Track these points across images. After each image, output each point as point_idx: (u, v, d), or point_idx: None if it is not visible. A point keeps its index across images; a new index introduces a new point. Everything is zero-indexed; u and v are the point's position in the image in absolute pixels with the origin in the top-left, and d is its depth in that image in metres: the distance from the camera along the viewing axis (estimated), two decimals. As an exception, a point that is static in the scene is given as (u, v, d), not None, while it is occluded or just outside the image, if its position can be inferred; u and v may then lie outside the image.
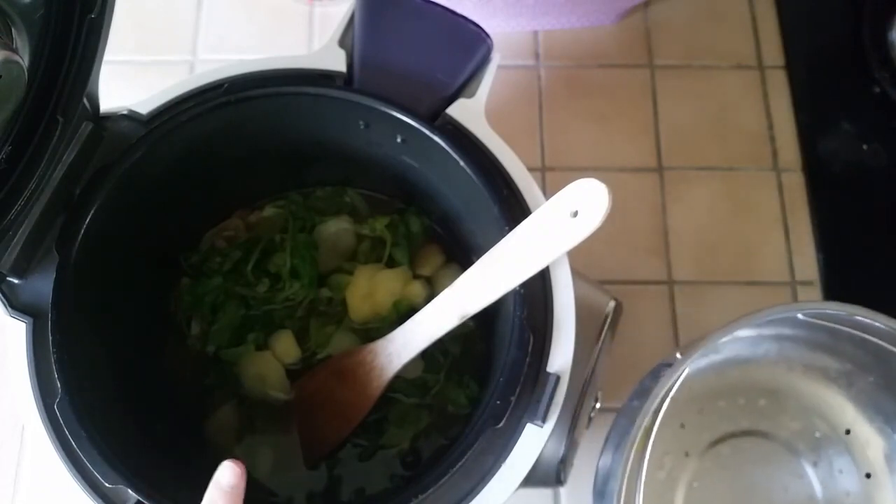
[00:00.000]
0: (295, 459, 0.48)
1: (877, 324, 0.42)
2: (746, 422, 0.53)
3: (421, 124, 0.41)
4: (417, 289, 0.49)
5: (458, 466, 0.36)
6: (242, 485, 0.32)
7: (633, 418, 0.39)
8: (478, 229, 0.45)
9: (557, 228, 0.35)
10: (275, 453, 0.48)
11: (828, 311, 0.43)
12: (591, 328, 0.43)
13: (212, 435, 0.48)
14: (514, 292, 0.38)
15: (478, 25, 0.42)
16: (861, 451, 0.52)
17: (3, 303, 0.38)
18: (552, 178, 0.63)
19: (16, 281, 0.38)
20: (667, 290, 0.61)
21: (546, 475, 0.42)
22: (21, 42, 0.33)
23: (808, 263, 0.62)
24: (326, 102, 0.42)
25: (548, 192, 0.37)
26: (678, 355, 0.41)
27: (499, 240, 0.38)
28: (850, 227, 0.63)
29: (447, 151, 0.41)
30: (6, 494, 0.53)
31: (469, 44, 0.42)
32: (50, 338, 0.37)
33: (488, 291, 0.39)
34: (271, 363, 0.48)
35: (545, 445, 0.37)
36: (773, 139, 0.66)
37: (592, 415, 0.45)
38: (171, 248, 0.50)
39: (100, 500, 0.35)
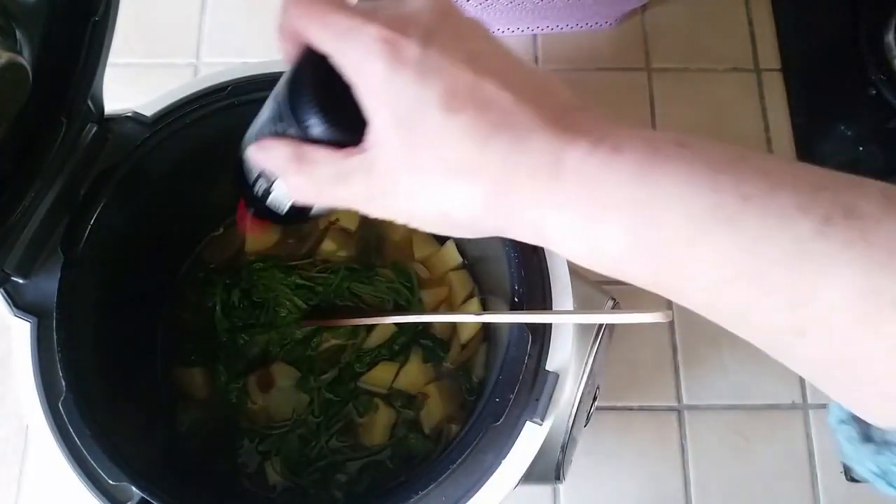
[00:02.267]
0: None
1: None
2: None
3: (421, 126, 0.41)
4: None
5: (457, 463, 0.36)
6: None
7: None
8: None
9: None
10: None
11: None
12: (589, 327, 0.43)
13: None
14: (513, 291, 0.39)
15: (477, 28, 0.43)
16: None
17: (7, 302, 0.38)
18: (551, 179, 0.64)
19: (20, 281, 0.38)
20: (664, 290, 0.61)
21: (545, 472, 0.42)
22: (25, 44, 0.33)
23: (804, 264, 0.62)
24: (328, 104, 0.43)
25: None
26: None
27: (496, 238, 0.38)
28: (846, 229, 0.63)
29: (447, 153, 0.41)
30: (11, 492, 0.54)
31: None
32: (55, 337, 0.37)
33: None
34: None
35: (544, 443, 0.37)
36: (769, 141, 0.66)
37: (591, 413, 0.45)
38: (173, 248, 0.51)
39: (104, 498, 0.36)
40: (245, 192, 0.32)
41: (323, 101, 0.25)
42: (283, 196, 0.30)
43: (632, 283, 0.23)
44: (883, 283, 0.18)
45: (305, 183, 0.26)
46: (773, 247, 0.19)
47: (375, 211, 0.26)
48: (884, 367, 0.19)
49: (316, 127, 0.26)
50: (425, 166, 0.23)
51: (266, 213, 0.32)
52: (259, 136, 0.28)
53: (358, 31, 0.23)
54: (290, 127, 0.26)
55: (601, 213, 0.22)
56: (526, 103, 0.23)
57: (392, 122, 0.23)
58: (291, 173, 0.26)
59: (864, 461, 0.21)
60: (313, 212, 0.31)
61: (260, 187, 0.30)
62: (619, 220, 0.21)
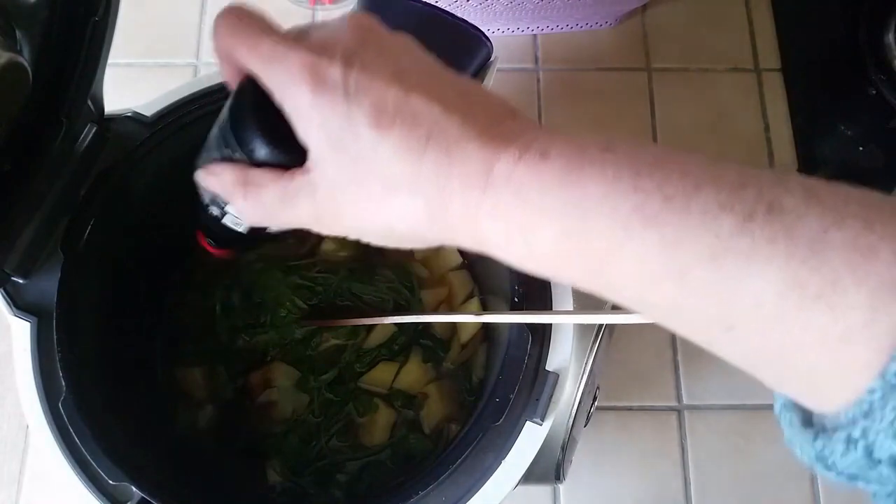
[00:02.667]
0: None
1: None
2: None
3: (421, 126, 0.41)
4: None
5: (458, 463, 0.36)
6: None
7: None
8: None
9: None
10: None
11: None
12: (589, 327, 0.43)
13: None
14: (513, 291, 0.39)
15: (478, 29, 0.43)
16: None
17: (7, 302, 0.38)
18: (551, 179, 0.64)
19: (21, 281, 0.38)
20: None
21: (545, 472, 0.42)
22: (25, 44, 0.33)
23: (804, 264, 0.62)
24: (328, 104, 0.43)
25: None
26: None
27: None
28: (846, 229, 0.63)
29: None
30: (11, 493, 0.54)
31: (469, 47, 0.43)
32: (55, 337, 0.37)
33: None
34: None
35: (544, 443, 0.37)
36: (769, 141, 0.66)
37: (591, 413, 0.45)
38: (174, 248, 0.51)
39: (104, 498, 0.36)
40: (202, 215, 0.32)
41: (263, 125, 0.26)
42: (236, 219, 0.30)
43: (571, 284, 0.24)
44: (806, 276, 0.18)
45: (253, 208, 0.27)
46: (696, 245, 0.20)
47: (325, 229, 0.26)
48: (813, 358, 0.19)
49: (259, 150, 0.26)
50: (364, 184, 0.24)
51: (226, 236, 0.32)
52: (206, 162, 0.29)
53: (282, 58, 0.24)
54: (235, 151, 0.27)
55: (532, 220, 0.22)
56: (454, 114, 0.23)
57: (326, 144, 0.24)
58: (238, 198, 0.27)
59: (803, 445, 0.21)
60: (272, 229, 0.31)
61: (213, 211, 0.31)
62: (549, 225, 0.22)
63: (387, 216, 0.24)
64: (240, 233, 0.31)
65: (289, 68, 0.24)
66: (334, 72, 0.23)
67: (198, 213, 0.32)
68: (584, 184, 0.21)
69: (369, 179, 0.24)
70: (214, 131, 0.28)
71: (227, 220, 0.31)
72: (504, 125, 0.24)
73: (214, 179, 0.28)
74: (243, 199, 0.27)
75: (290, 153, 0.26)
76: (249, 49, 0.25)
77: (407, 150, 0.23)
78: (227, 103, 0.27)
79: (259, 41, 0.24)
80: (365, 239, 0.26)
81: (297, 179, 0.25)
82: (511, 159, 0.22)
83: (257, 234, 0.32)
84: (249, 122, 0.26)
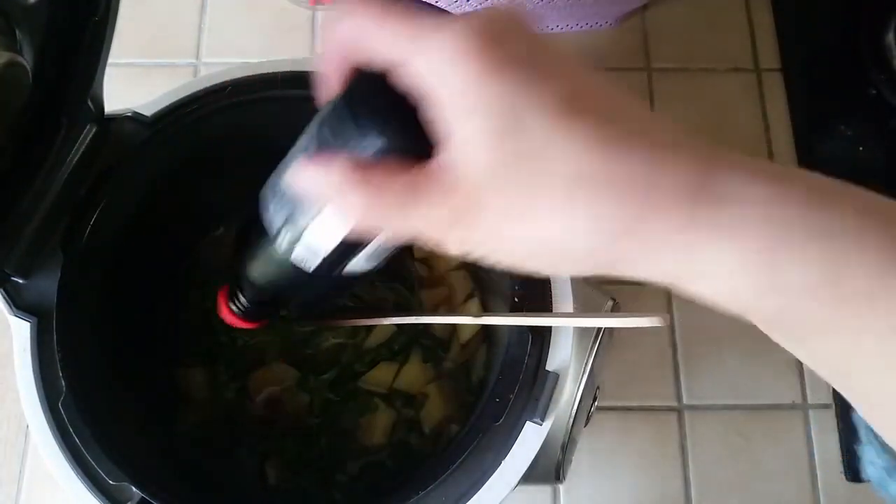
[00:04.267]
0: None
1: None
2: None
3: (421, 126, 0.41)
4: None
5: (457, 463, 0.36)
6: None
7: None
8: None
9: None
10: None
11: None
12: (590, 327, 0.43)
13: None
14: (513, 291, 0.39)
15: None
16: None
17: (7, 302, 0.38)
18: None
19: (20, 281, 0.38)
20: (664, 290, 0.61)
21: (545, 472, 0.42)
22: (25, 44, 0.33)
23: (804, 264, 0.62)
24: (328, 104, 0.43)
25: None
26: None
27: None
28: (846, 229, 0.63)
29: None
30: (11, 492, 0.54)
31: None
32: (55, 337, 0.37)
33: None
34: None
35: (544, 443, 0.37)
36: (769, 142, 0.66)
37: (591, 413, 0.45)
38: (173, 248, 0.51)
39: (104, 498, 0.35)
40: (244, 265, 0.29)
41: (388, 110, 0.22)
42: (323, 234, 0.25)
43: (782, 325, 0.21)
44: None
45: (369, 203, 0.21)
46: None
47: (452, 240, 0.21)
48: None
49: (383, 138, 0.22)
50: (532, 181, 0.19)
51: (275, 288, 0.29)
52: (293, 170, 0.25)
53: (445, 28, 0.19)
54: (343, 148, 0.22)
55: (777, 248, 0.19)
56: (661, 118, 0.20)
57: (485, 130, 0.19)
58: (349, 191, 0.21)
59: None
60: (354, 263, 0.27)
61: (284, 237, 0.26)
62: (805, 257, 0.18)
63: (552, 225, 0.19)
64: (304, 273, 0.27)
65: (454, 39, 0.19)
66: (515, 46, 0.19)
67: (234, 265, 0.28)
68: (837, 212, 0.19)
69: (541, 176, 0.19)
70: (304, 141, 0.25)
71: (296, 254, 0.26)
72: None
73: (322, 172, 0.22)
74: (354, 192, 0.21)
75: (420, 144, 0.21)
76: (393, 31, 0.20)
77: (601, 143, 0.19)
78: (334, 101, 0.24)
79: (401, 21, 0.20)
80: (493, 258, 0.21)
81: (432, 171, 0.20)
82: (745, 173, 0.20)
83: (328, 272, 0.27)
84: (370, 109, 0.22)
